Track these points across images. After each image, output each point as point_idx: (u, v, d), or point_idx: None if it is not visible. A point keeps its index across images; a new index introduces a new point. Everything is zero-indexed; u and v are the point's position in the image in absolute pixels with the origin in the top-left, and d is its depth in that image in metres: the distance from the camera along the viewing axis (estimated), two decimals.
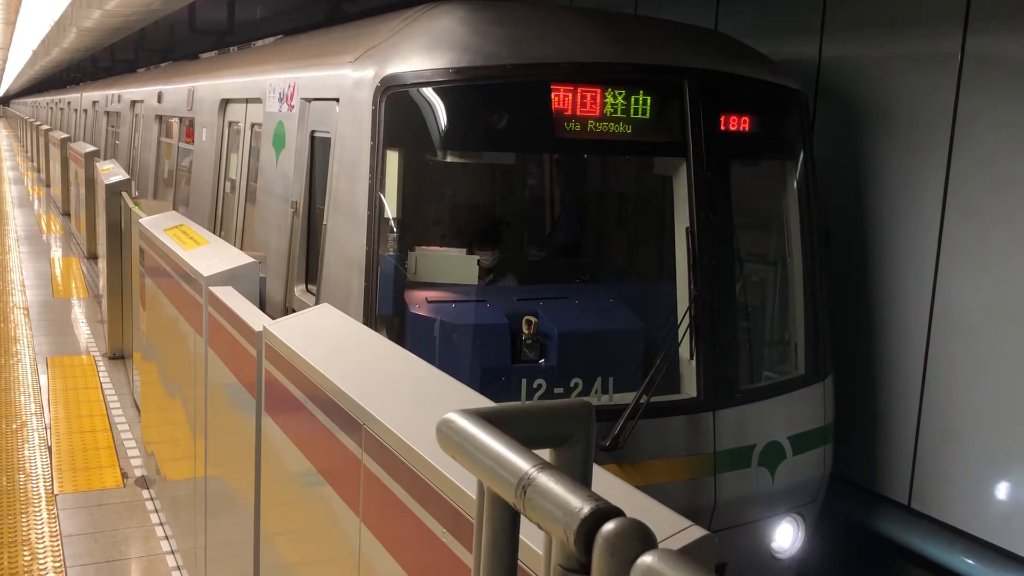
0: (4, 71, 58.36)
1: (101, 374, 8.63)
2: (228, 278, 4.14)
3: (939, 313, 5.22)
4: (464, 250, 4.75)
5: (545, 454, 1.35)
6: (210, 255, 4.57)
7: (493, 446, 1.29)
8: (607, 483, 1.81)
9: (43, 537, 5.36)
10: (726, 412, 4.50)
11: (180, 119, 10.06)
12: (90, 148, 14.51)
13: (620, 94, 4.39)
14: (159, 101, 11.40)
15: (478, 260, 4.65)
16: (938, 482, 5.27)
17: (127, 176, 9.39)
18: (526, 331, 4.40)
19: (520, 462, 1.23)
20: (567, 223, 6.08)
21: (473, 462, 1.32)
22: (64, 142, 18.92)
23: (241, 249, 6.46)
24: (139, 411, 7.11)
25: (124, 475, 6.33)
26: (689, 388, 4.51)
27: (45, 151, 25.40)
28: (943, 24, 5.14)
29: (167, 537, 5.43)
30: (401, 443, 2.20)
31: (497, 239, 5.16)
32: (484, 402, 2.36)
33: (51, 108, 33.48)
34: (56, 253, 15.23)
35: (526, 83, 4.35)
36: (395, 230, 4.42)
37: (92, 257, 13.73)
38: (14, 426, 7.14)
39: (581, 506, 1.11)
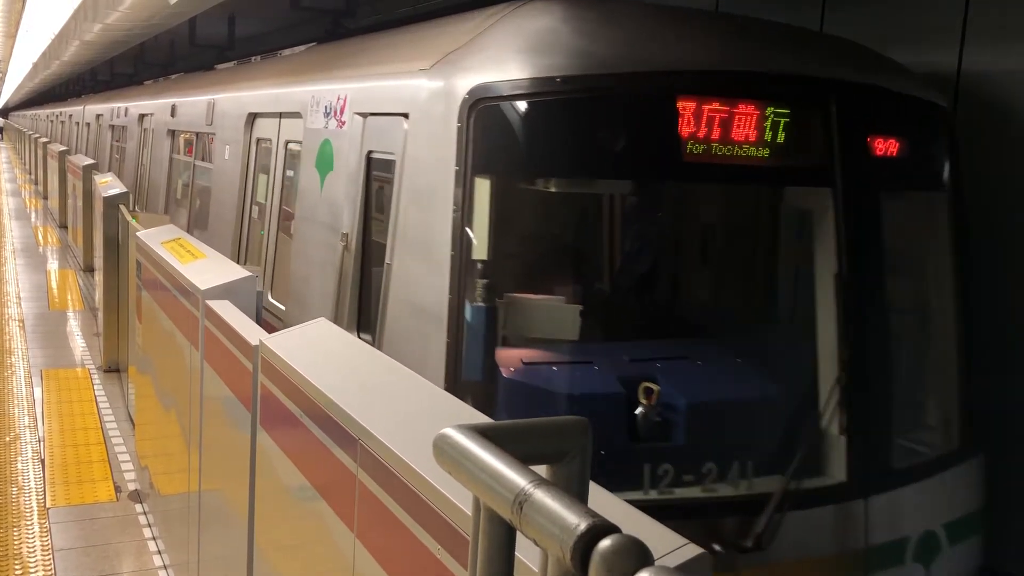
0: (3, 83, 58.51)
1: (96, 387, 8.61)
2: (225, 292, 4.13)
3: None
4: (562, 298, 3.95)
5: (542, 470, 1.35)
6: (207, 269, 4.57)
7: (490, 462, 1.29)
8: (603, 500, 1.80)
9: (35, 551, 5.33)
10: (879, 499, 3.73)
11: (197, 135, 9.28)
12: (88, 161, 14.52)
13: (762, 109, 3.67)
14: (172, 115, 10.64)
15: (581, 311, 3.84)
16: None
17: (125, 189, 9.39)
18: (645, 401, 3.58)
19: (517, 478, 1.23)
20: (679, 266, 4.91)
21: (469, 478, 1.31)
22: (62, 155, 18.94)
23: (271, 286, 6.06)
24: (133, 424, 7.08)
25: (117, 489, 6.30)
26: (836, 470, 3.72)
27: (43, 163, 25.41)
28: None
29: (160, 552, 5.40)
30: (397, 459, 2.19)
31: (608, 283, 4.39)
32: (481, 418, 2.35)
33: (51, 121, 33.33)
34: (52, 265, 15.22)
35: (648, 95, 3.62)
36: (486, 275, 3.62)
37: (89, 270, 13.72)
38: (7, 439, 7.11)
39: (578, 522, 1.11)
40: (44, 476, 6.42)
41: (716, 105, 3.58)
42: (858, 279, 3.78)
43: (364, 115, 4.70)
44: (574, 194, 4.05)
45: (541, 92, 3.53)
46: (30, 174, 32.83)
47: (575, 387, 3.72)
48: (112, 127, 16.87)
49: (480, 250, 3.62)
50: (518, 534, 1.29)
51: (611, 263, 4.63)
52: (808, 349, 3.87)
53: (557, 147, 3.62)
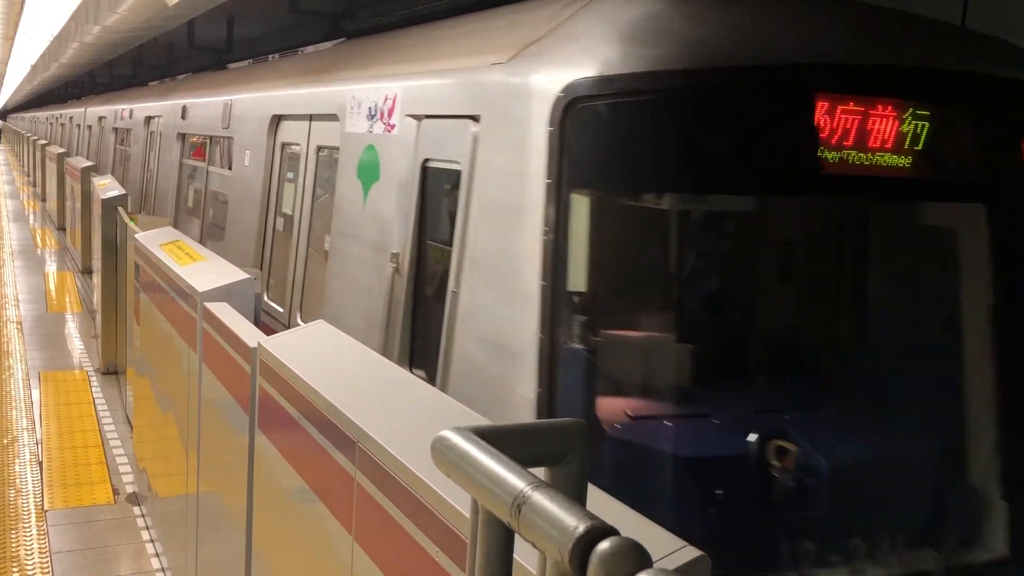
0: (2, 86, 58.55)
1: (94, 389, 8.60)
2: (223, 294, 4.13)
3: None
4: (671, 335, 3.27)
5: (540, 472, 1.35)
6: (206, 271, 4.57)
7: (488, 464, 1.29)
8: (602, 502, 1.80)
9: (32, 553, 5.32)
10: None
11: (211, 138, 8.68)
12: (87, 163, 14.51)
13: (906, 111, 3.10)
14: (183, 117, 9.98)
15: (692, 350, 3.20)
16: None
17: (123, 191, 9.38)
18: (779, 463, 2.96)
19: (515, 480, 1.23)
20: (808, 296, 4.05)
21: (468, 480, 1.31)
22: (61, 157, 18.94)
23: (301, 308, 5.68)
24: (131, 427, 7.08)
25: (115, 491, 6.29)
26: (997, 543, 3.14)
27: (41, 166, 25.40)
28: None
29: (158, 554, 5.39)
30: (395, 461, 2.19)
31: (728, 317, 3.68)
32: (480, 420, 2.35)
33: (51, 123, 33.08)
34: (51, 267, 15.21)
35: (782, 94, 3.03)
36: (586, 310, 3.03)
37: (87, 272, 13.71)
38: (5, 441, 7.10)
39: (576, 525, 1.11)
40: (42, 478, 6.41)
41: (857, 106, 3.03)
42: (1018, 311, 3.23)
43: (419, 118, 4.09)
44: (690, 212, 3.36)
45: (652, 89, 2.93)
46: (28, 176, 32.83)
47: (692, 447, 3.09)
48: (116, 130, 16.28)
49: (578, 280, 3.04)
50: (516, 536, 1.29)
51: (731, 293, 3.79)
52: (960, 397, 3.30)
53: (671, 155, 3.00)
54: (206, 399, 4.09)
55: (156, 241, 5.65)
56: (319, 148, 5.59)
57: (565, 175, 3.00)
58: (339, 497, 2.54)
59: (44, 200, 24.67)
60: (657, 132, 3.00)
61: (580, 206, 3.02)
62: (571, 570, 1.10)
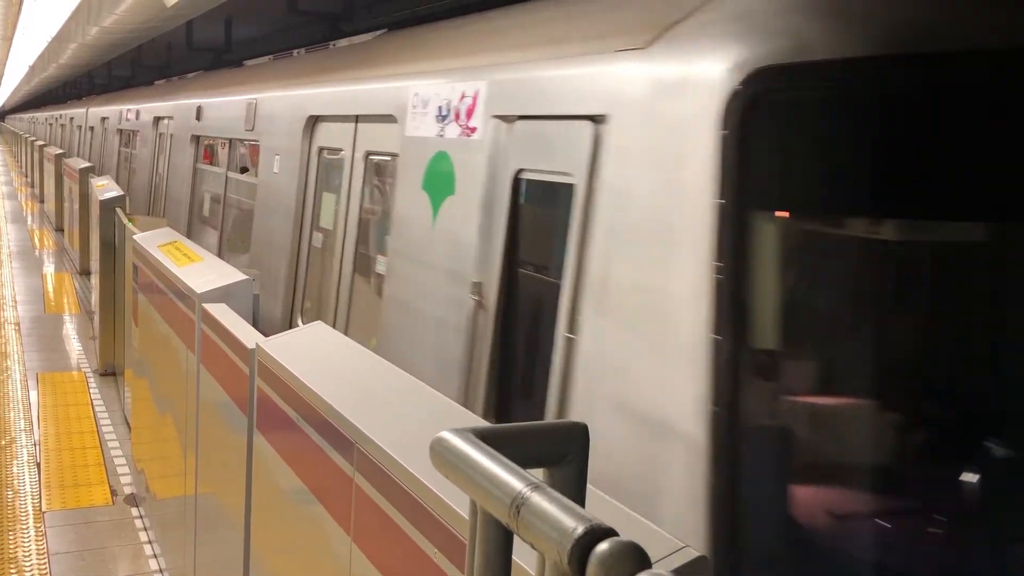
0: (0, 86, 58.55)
1: (92, 391, 8.60)
2: (222, 295, 4.13)
3: None
4: (896, 408, 2.44)
5: (539, 474, 1.35)
6: (204, 272, 4.57)
7: (487, 465, 1.28)
8: (601, 503, 1.80)
9: (30, 555, 5.31)
10: None
11: (231, 141, 7.98)
12: (85, 164, 14.51)
13: None
14: (198, 118, 9.21)
15: (923, 427, 2.46)
16: None
17: (121, 192, 9.38)
18: None
19: (514, 481, 1.23)
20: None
21: (466, 481, 1.31)
22: (59, 158, 18.94)
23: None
24: (129, 428, 7.07)
25: (113, 492, 6.29)
26: None
27: (40, 166, 25.38)
28: None
29: (156, 556, 5.39)
30: (393, 462, 2.19)
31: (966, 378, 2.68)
32: (479, 421, 2.35)
33: (50, 125, 32.79)
34: (49, 268, 15.21)
35: None
36: (776, 375, 2.35)
37: (85, 273, 13.71)
38: (3, 443, 7.09)
39: (575, 526, 1.11)
40: (40, 480, 6.40)
41: None
42: None
43: (509, 119, 3.42)
44: (923, 243, 2.48)
45: (868, 82, 2.28)
46: (27, 177, 32.82)
47: (922, 553, 2.36)
48: (120, 132, 15.39)
49: (766, 334, 2.32)
50: (515, 537, 1.29)
51: (977, 352, 2.71)
52: None
53: (897, 168, 2.29)
54: (204, 400, 4.09)
55: (154, 242, 5.65)
56: (368, 154, 4.89)
57: (746, 193, 2.29)
58: (337, 498, 2.54)
59: (42, 201, 24.67)
60: (878, 137, 2.30)
61: (767, 235, 2.32)
62: (570, 571, 1.10)
